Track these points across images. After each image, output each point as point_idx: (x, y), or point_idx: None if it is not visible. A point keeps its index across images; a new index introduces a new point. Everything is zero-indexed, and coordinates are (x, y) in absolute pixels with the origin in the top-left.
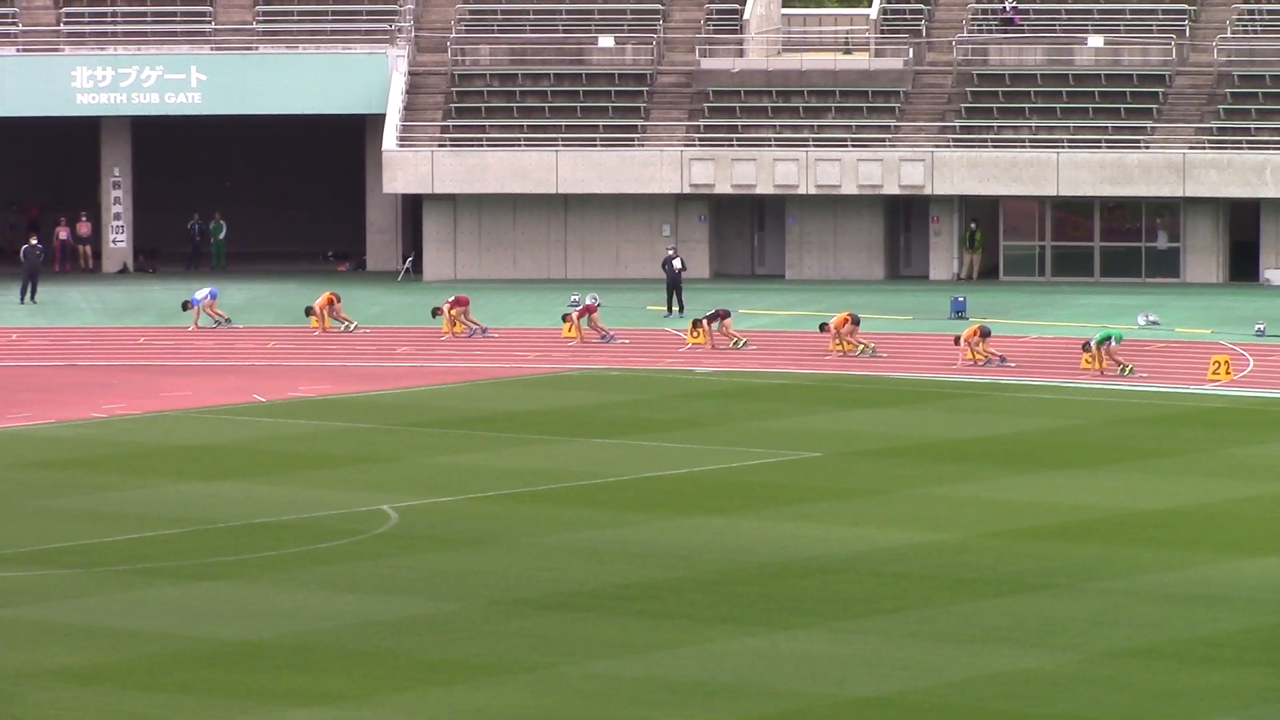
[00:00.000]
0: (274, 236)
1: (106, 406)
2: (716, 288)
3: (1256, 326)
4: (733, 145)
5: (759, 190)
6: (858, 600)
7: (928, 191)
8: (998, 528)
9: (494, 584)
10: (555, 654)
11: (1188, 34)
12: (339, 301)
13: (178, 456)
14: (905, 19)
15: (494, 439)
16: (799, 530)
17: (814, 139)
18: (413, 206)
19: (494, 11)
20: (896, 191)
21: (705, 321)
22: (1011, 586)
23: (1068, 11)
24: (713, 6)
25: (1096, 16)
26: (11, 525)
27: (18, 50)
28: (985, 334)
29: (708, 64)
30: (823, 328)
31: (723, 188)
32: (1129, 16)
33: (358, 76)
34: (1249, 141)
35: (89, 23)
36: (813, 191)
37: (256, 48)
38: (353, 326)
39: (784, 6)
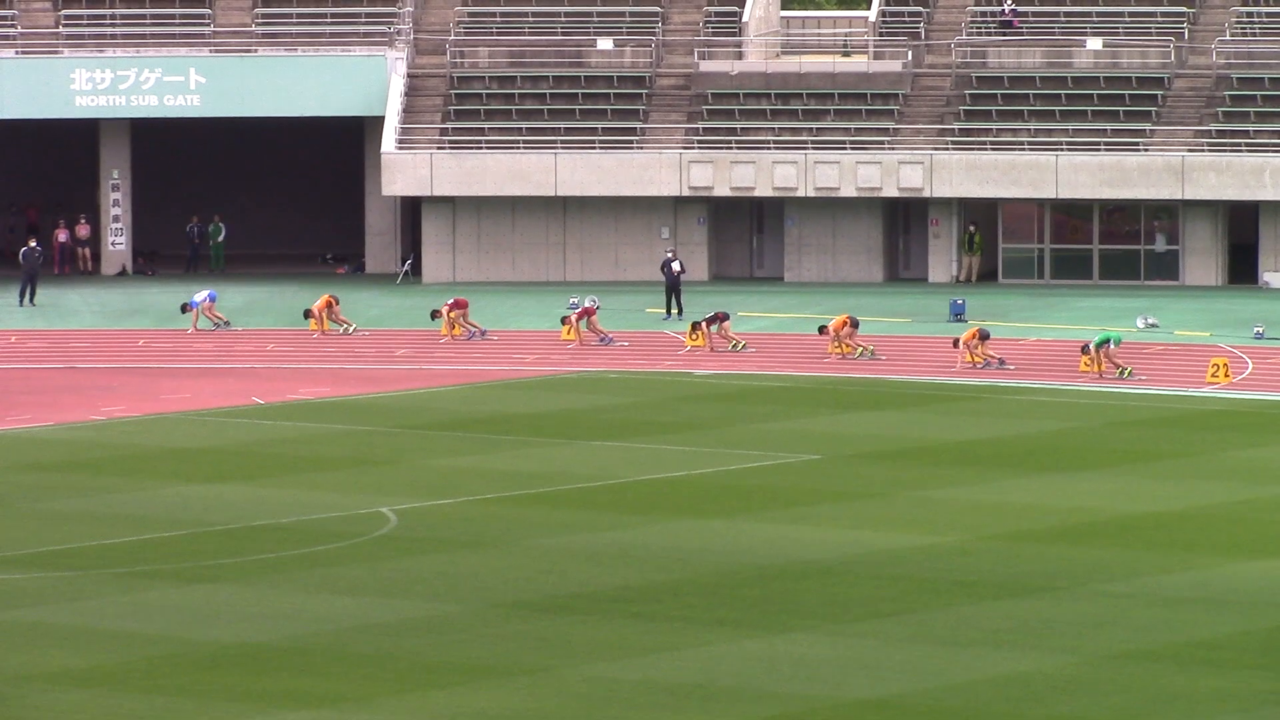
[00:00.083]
0: (273, 239)
1: (106, 409)
2: (715, 290)
3: (1255, 329)
4: (731, 148)
5: (758, 193)
6: (857, 603)
7: (926, 194)
8: (997, 530)
9: (493, 586)
10: (554, 656)
11: (1187, 36)
12: (338, 304)
13: (177, 459)
14: (904, 21)
15: (493, 441)
16: (798, 533)
17: (813, 141)
18: (412, 209)
19: (493, 14)
20: (895, 194)
21: (704, 324)
22: (1010, 589)
23: (1066, 14)
24: (711, 9)
25: (1095, 19)
26: (10, 527)
27: (17, 53)
28: (984, 336)
29: (706, 66)
30: (822, 330)
31: (721, 190)
32: (1128, 19)
33: (357, 79)
34: (1248, 144)
35: (88, 25)
36: (811, 194)
37: (255, 50)
38: (351, 329)
39: (783, 9)
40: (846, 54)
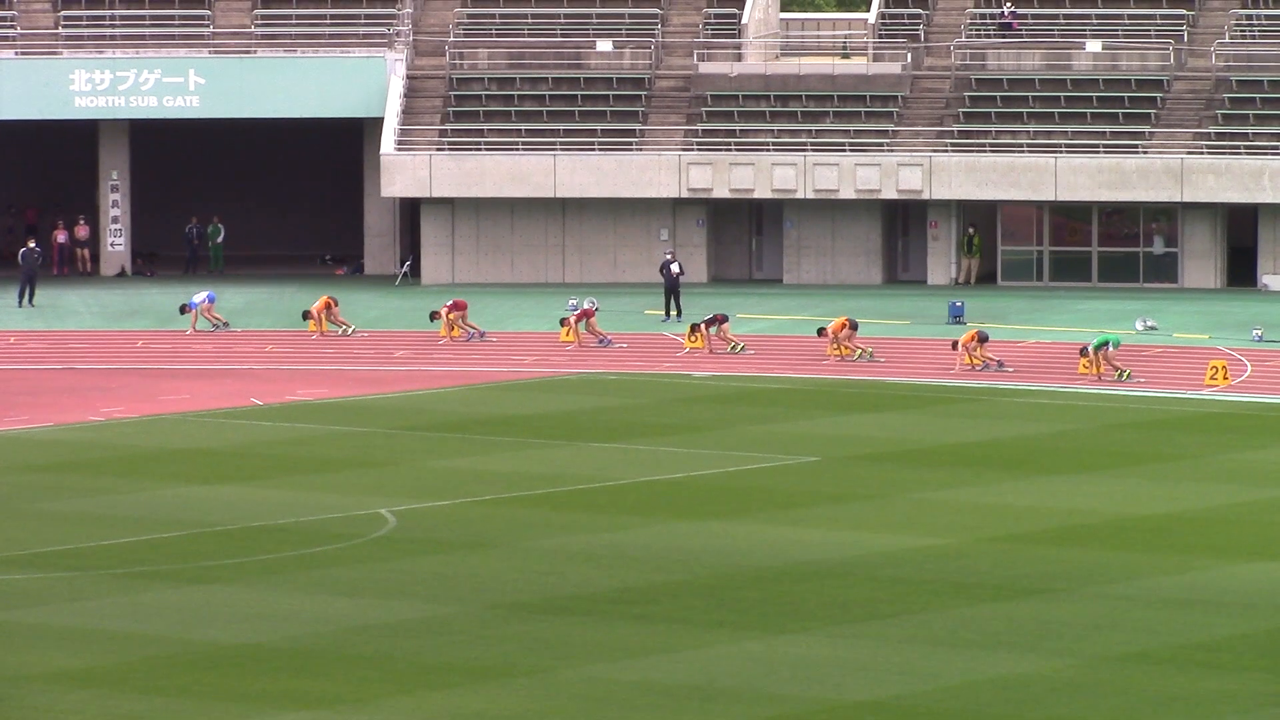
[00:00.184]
0: (272, 240)
1: (104, 410)
2: (714, 292)
3: (1254, 332)
4: (731, 150)
5: (757, 195)
6: (855, 605)
7: (926, 196)
8: (995, 532)
9: (491, 588)
10: (553, 658)
11: (1186, 39)
12: (336, 305)
13: (175, 460)
14: (903, 24)
15: (492, 443)
16: (796, 535)
17: (812, 143)
18: (411, 210)
19: (492, 15)
20: (894, 196)
21: (703, 326)
22: (1009, 591)
23: (1066, 16)
24: (711, 11)
25: (1094, 21)
26: (9, 528)
27: (16, 53)
28: (983, 339)
29: (706, 68)
30: (820, 332)
31: (720, 192)
32: (1127, 21)
33: (356, 80)
34: (1247, 147)
35: (87, 26)
36: (810, 196)
37: (255, 51)
38: (350, 330)
39: (782, 11)
40: (846, 56)
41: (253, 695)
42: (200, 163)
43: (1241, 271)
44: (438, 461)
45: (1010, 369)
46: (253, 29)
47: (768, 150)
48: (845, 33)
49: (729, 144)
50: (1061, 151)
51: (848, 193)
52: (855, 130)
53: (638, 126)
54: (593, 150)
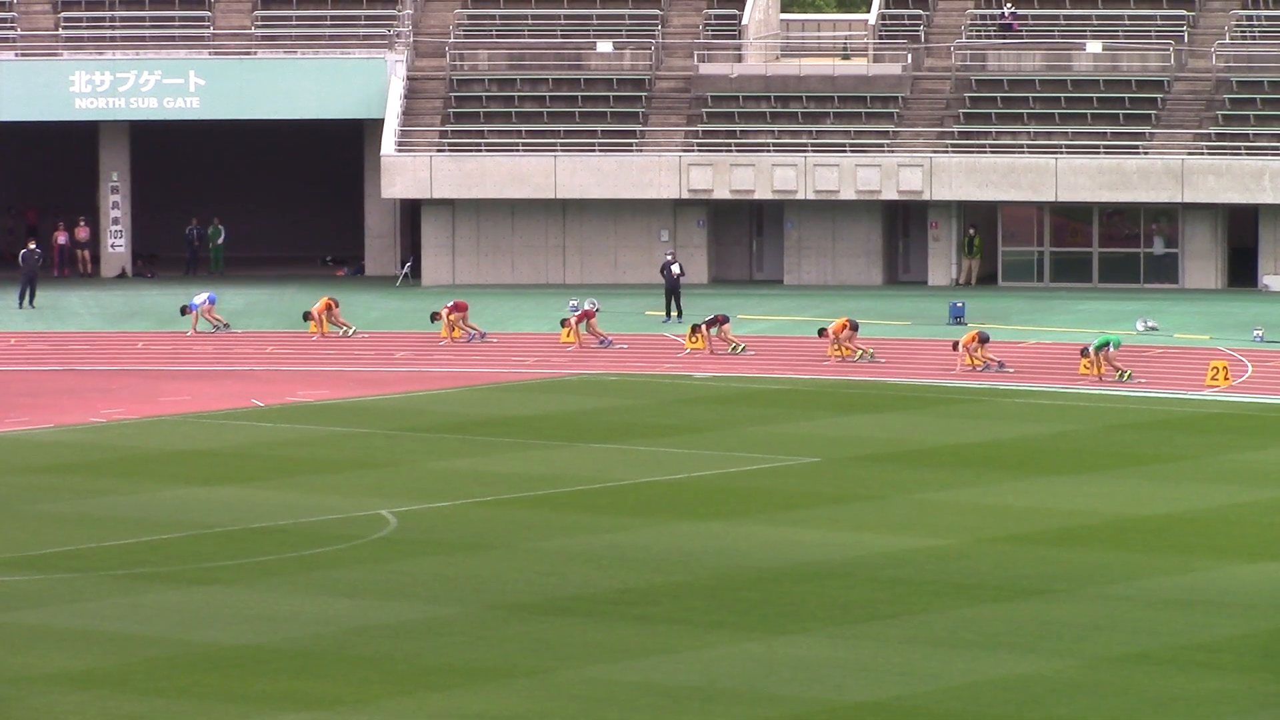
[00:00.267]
0: (272, 241)
1: (105, 411)
2: (715, 293)
3: (1255, 332)
4: (731, 151)
5: (757, 196)
6: (856, 605)
7: (926, 197)
8: (996, 533)
9: (492, 589)
10: (553, 659)
11: (1186, 40)
12: (337, 307)
13: (176, 461)
14: (904, 24)
15: (492, 444)
16: (797, 535)
17: (812, 144)
18: (411, 211)
19: (492, 16)
20: (895, 197)
21: (704, 327)
22: (1010, 592)
23: (1066, 17)
24: (711, 12)
25: (1095, 22)
26: (9, 530)
27: (16, 55)
28: (984, 339)
29: (706, 69)
30: (821, 333)
31: (721, 193)
32: (1127, 22)
33: (356, 82)
34: (1247, 147)
35: (87, 27)
36: (811, 197)
37: (255, 53)
38: (351, 331)
39: (782, 12)
40: (846, 57)
41: (253, 696)
42: (201, 164)
43: (1242, 272)
44: (438, 463)
45: (1011, 369)
46: (253, 30)
47: (768, 151)
48: (845, 34)
49: (729, 145)
50: (1062, 152)
51: (848, 194)
52: (856, 131)
53: (638, 127)
54: (593, 151)
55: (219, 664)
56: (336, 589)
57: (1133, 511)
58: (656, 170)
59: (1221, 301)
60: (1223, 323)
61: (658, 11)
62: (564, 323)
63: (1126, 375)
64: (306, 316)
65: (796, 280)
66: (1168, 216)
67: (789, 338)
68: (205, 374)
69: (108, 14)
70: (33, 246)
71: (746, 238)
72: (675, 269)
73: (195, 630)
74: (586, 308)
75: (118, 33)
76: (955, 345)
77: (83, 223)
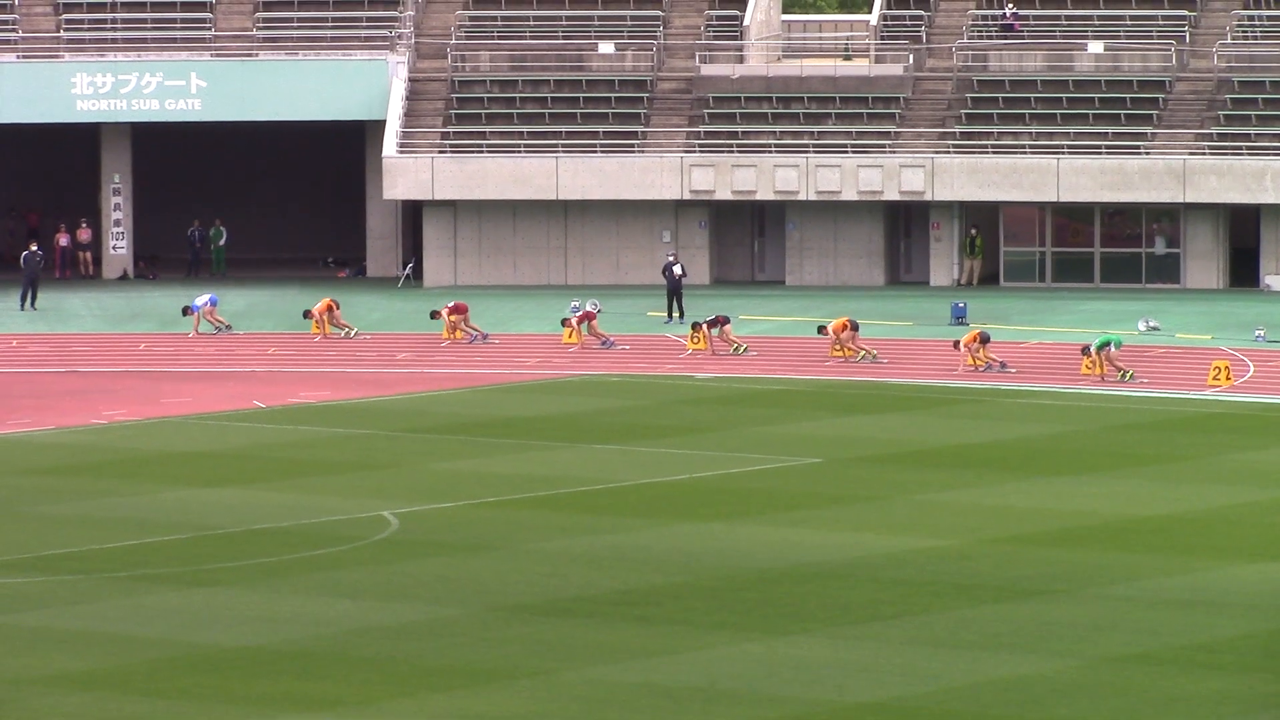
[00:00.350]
0: (274, 243)
1: (107, 413)
2: (717, 294)
3: (1256, 332)
4: (733, 151)
5: (759, 196)
6: (857, 606)
7: (928, 197)
8: (998, 533)
9: (494, 590)
10: (555, 660)
11: (1188, 40)
12: (338, 308)
13: (178, 462)
14: (905, 25)
15: (494, 445)
16: (799, 536)
17: (814, 145)
18: (413, 213)
19: (494, 18)
20: (897, 197)
21: (705, 326)
22: (1011, 592)
23: (1068, 17)
24: (713, 13)
25: (1096, 22)
26: (11, 531)
27: (18, 57)
28: (985, 340)
29: (708, 70)
30: (821, 330)
31: (723, 194)
32: (1129, 22)
33: (358, 83)
34: (1249, 147)
35: (89, 29)
36: (813, 198)
37: (256, 54)
38: (352, 333)
39: (784, 13)
40: (848, 57)
41: (255, 698)
42: (202, 166)
43: (1244, 272)
44: (440, 464)
45: (1013, 370)
46: (254, 32)
47: (770, 152)
48: (847, 34)
49: (731, 146)
50: (1064, 152)
51: (850, 194)
52: (857, 132)
53: (640, 129)
54: (595, 152)
55: (220, 665)
56: (338, 590)
57: (1134, 512)
58: (658, 171)
59: (1223, 301)
60: (1224, 323)
61: (659, 12)
62: (564, 322)
63: (1128, 375)
64: (306, 314)
65: (798, 281)
66: (1169, 217)
67: (791, 338)
68: (207, 375)
69: (109, 16)
70: (34, 248)
71: (748, 238)
72: (677, 270)
73: (196, 632)
74: (588, 309)
75: (119, 34)
76: (956, 344)
77: (84, 224)
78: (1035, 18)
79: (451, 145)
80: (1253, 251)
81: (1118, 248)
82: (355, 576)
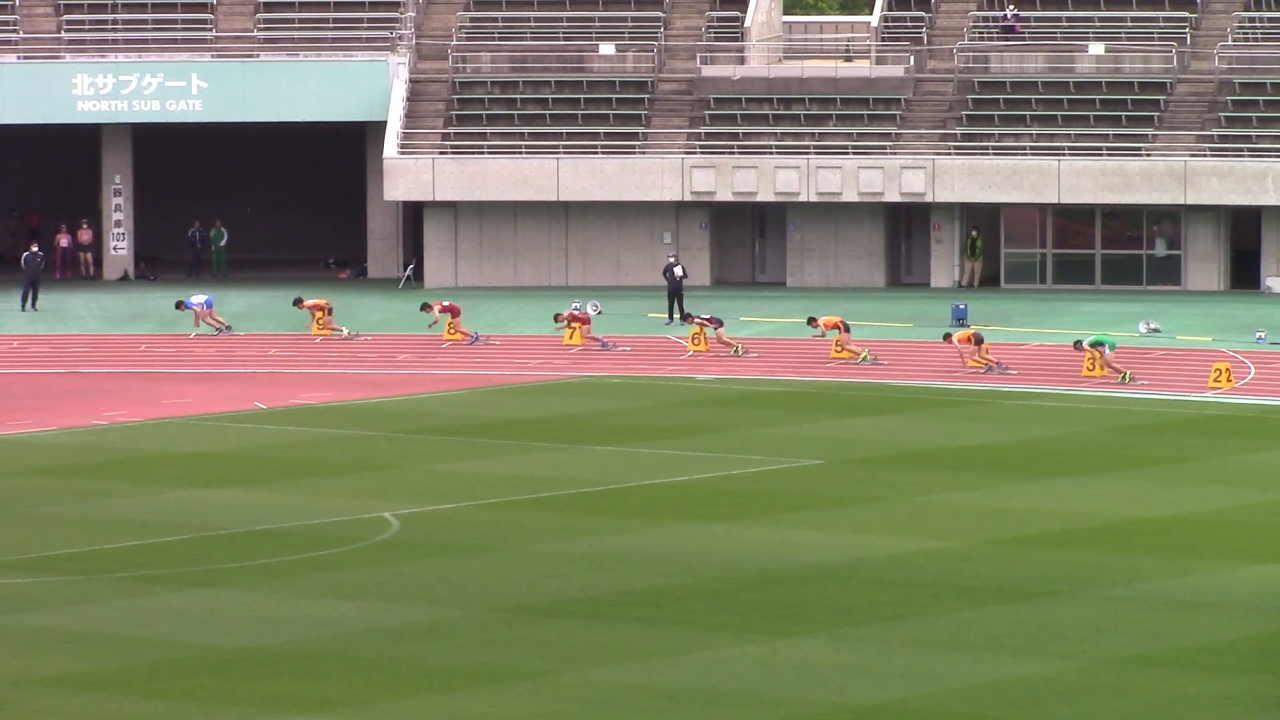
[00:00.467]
0: (275, 244)
1: (107, 413)
2: (717, 295)
3: (1257, 334)
4: (734, 153)
5: (760, 198)
6: (859, 608)
7: (929, 199)
8: (999, 535)
9: (495, 591)
10: (556, 661)
11: (1189, 42)
12: (329, 313)
13: (179, 463)
14: (906, 26)
15: (495, 446)
16: (800, 537)
17: (815, 146)
18: (414, 214)
19: (495, 19)
20: (897, 199)
21: (699, 320)
22: (1012, 594)
23: (1069, 19)
24: (714, 14)
25: (1097, 24)
26: (12, 532)
27: (19, 58)
28: (978, 341)
29: (709, 71)
30: (811, 321)
31: (724, 195)
32: (1130, 24)
33: (359, 84)
34: (1250, 149)
35: (90, 30)
36: (814, 199)
37: (257, 55)
38: (344, 333)
39: (785, 14)
40: (849, 59)
41: (256, 699)
42: (203, 167)
43: (1245, 274)
44: (441, 465)
45: (1013, 371)
46: (255, 33)
47: (770, 153)
48: (848, 35)
49: (732, 147)
50: (1064, 154)
51: (851, 195)
52: (858, 133)
53: (641, 130)
54: (596, 153)
55: (222, 666)
56: (339, 591)
57: (1135, 513)
58: (659, 172)
59: (1224, 303)
60: (1225, 324)
61: (660, 14)
62: (557, 317)
63: (1126, 377)
64: (297, 303)
65: (799, 282)
66: (1170, 218)
67: (791, 340)
68: (208, 376)
69: (110, 17)
70: (35, 249)
71: (749, 240)
72: (678, 271)
73: (198, 632)
74: (587, 312)
75: (120, 35)
76: (947, 337)
77: (85, 225)
78: (1036, 19)
79: (452, 146)
80: (1253, 253)
81: (1118, 249)
82: (356, 577)
